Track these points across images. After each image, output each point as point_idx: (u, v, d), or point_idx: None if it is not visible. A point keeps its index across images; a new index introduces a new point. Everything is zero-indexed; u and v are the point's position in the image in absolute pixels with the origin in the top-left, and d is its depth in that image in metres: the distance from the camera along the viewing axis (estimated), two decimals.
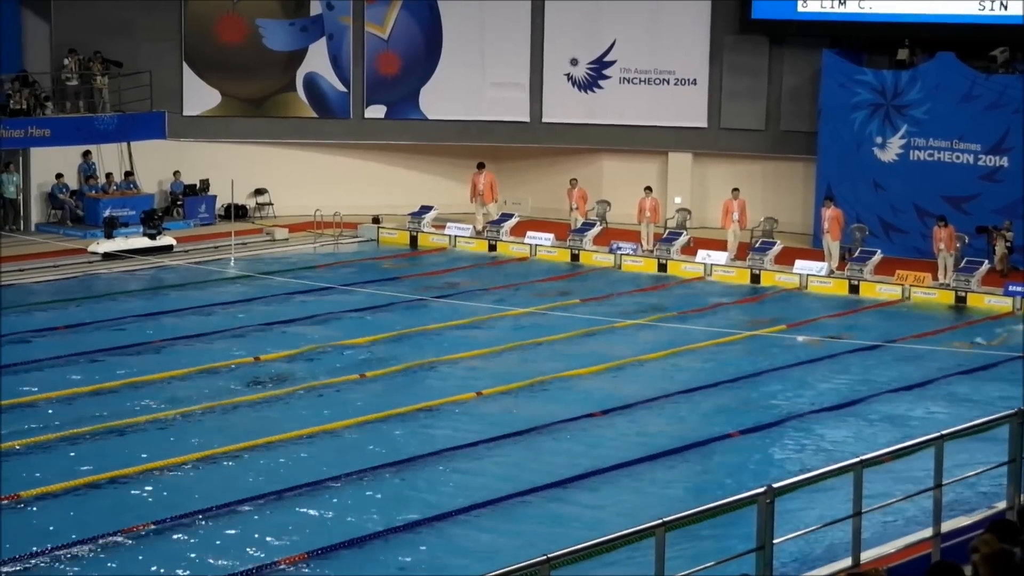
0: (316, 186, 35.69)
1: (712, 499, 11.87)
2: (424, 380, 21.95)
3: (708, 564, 10.43)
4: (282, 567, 14.36)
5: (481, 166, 34.51)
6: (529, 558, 8.93)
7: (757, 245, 30.94)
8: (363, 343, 23.82)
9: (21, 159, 33.51)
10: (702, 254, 30.89)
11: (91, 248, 30.77)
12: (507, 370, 22.53)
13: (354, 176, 36.68)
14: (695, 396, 21.29)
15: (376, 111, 37.13)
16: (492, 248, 32.92)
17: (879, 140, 32.40)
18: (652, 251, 31.60)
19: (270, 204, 36.38)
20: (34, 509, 15.97)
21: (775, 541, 10.43)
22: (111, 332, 24.52)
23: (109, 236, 31.27)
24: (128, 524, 15.33)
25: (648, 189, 32.99)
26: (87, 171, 34.28)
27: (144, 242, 31.38)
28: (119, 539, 15.02)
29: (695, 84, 35.90)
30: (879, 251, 29.74)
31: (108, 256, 30.48)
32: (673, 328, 25.15)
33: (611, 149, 36.47)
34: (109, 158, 34.77)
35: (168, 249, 31.62)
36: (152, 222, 31.85)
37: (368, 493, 16.82)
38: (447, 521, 15.84)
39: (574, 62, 36.58)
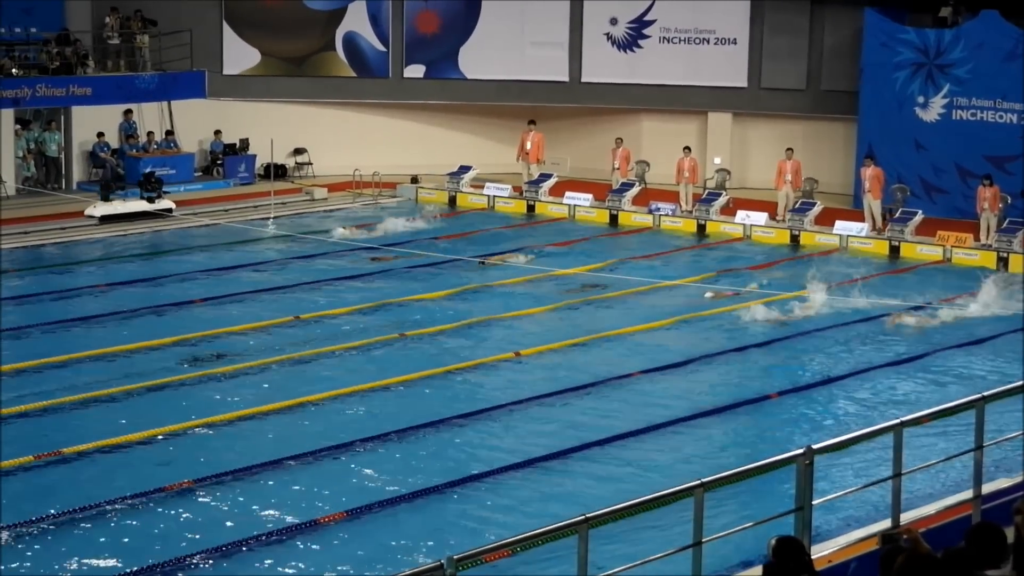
0: (355, 146, 35.73)
1: (750, 460, 11.90)
2: (465, 339, 21.97)
3: (746, 525, 10.46)
4: (323, 523, 14.46)
5: (532, 123, 34.38)
6: (567, 517, 8.98)
7: (797, 206, 30.79)
8: (403, 302, 23.86)
9: (62, 118, 33.67)
10: (741, 215, 30.77)
11: (87, 211, 30.22)
12: (548, 329, 22.53)
13: (393, 136, 36.68)
14: (731, 357, 21.24)
15: (415, 70, 37.08)
16: (531, 208, 32.89)
17: (921, 100, 32.13)
18: (691, 212, 31.50)
19: (309, 164, 36.46)
20: (83, 463, 16.12)
21: (814, 502, 10.43)
22: (154, 289, 24.68)
23: (105, 199, 30.64)
24: (177, 479, 15.46)
25: (687, 149, 32.85)
26: (128, 130, 34.41)
27: (142, 205, 30.77)
28: (164, 496, 15.15)
29: (735, 44, 35.68)
30: (920, 212, 29.54)
31: (105, 219, 30.00)
32: (713, 288, 25.08)
33: (650, 109, 36.31)
34: (150, 117, 34.90)
35: (168, 212, 30.95)
36: (150, 185, 31.18)
37: (412, 450, 16.89)
38: (489, 480, 15.90)
39: (614, 21, 36.40)
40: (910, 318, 23.12)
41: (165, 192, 31.54)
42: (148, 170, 32.34)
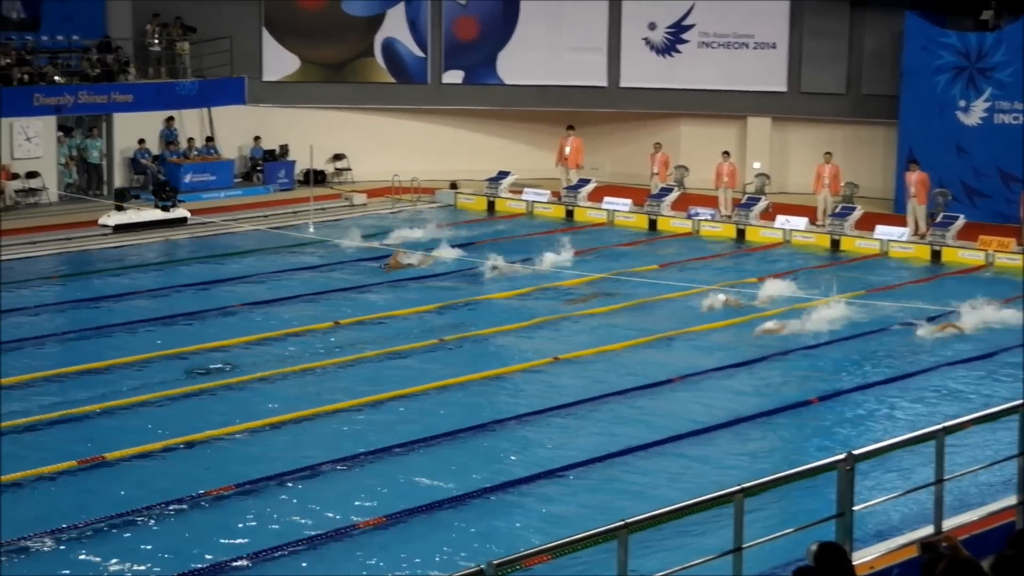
0: (394, 151, 35.83)
1: (791, 466, 11.84)
2: (501, 345, 21.99)
3: (787, 531, 10.41)
4: (362, 528, 14.49)
5: (570, 128, 34.38)
6: (607, 523, 8.96)
7: (837, 210, 30.64)
8: (441, 308, 23.89)
9: (104, 125, 33.91)
10: (781, 219, 30.66)
11: (101, 221, 29.92)
12: (586, 334, 22.50)
13: (432, 141, 36.76)
14: (773, 362, 21.16)
15: (454, 76, 37.15)
16: (569, 214, 32.88)
17: (962, 103, 31.95)
18: (730, 216, 31.41)
19: (348, 169, 36.59)
20: (125, 468, 16.22)
21: (855, 508, 10.37)
22: (195, 296, 24.81)
23: (120, 208, 30.40)
24: (218, 484, 15.53)
25: (726, 154, 32.77)
26: (169, 137, 34.62)
27: (157, 214, 30.55)
28: (206, 500, 15.22)
29: (775, 48, 35.58)
30: (962, 216, 29.34)
31: (119, 228, 29.76)
32: (752, 293, 24.99)
33: (689, 114, 36.25)
34: (190, 123, 35.10)
35: (183, 221, 30.70)
36: (164, 194, 30.95)
37: (451, 455, 16.90)
38: (529, 485, 15.89)
39: (652, 26, 36.37)
40: (952, 323, 22.95)
41: (203, 199, 31.69)
42: (163, 179, 32.29)
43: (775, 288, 24.92)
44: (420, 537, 14.39)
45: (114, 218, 30.12)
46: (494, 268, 25.74)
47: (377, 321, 23.15)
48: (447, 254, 27.28)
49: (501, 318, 23.38)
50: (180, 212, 30.91)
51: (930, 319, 23.15)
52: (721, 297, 24.17)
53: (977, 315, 22.97)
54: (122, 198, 30.81)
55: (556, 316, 23.55)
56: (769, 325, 22.65)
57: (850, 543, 10.22)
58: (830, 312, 23.46)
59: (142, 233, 29.92)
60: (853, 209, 30.44)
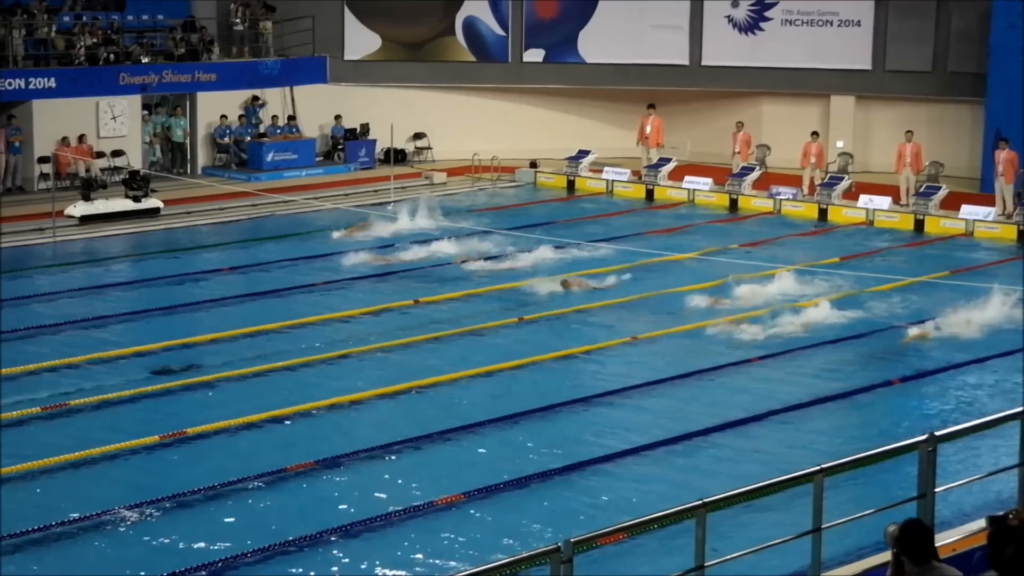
0: (474, 130, 35.87)
1: (871, 447, 11.74)
2: (579, 324, 21.97)
3: (868, 511, 10.32)
4: (440, 505, 14.56)
5: (651, 107, 34.22)
6: (684, 502, 8.93)
7: (921, 190, 30.27)
8: (520, 287, 23.89)
9: (188, 103, 34.26)
10: (864, 199, 30.34)
11: (67, 211, 28.58)
12: (663, 314, 22.41)
13: (512, 120, 36.76)
14: (853, 343, 20.95)
15: (534, 55, 37.10)
16: (649, 193, 32.75)
17: None
18: (813, 196, 31.12)
19: (429, 148, 36.68)
20: (203, 446, 16.41)
21: (937, 489, 10.26)
22: (276, 273, 25.02)
23: (86, 198, 28.99)
24: (299, 460, 15.65)
25: (815, 134, 32.51)
26: (252, 115, 34.90)
27: (126, 204, 29.26)
28: (287, 476, 15.36)
29: (859, 25, 35.18)
30: None
31: (85, 219, 28.51)
32: (834, 274, 24.75)
33: (772, 92, 35.95)
34: (272, 102, 35.37)
35: (155, 212, 29.45)
36: (135, 183, 29.67)
37: (529, 434, 16.92)
38: (606, 464, 15.88)
39: (735, 3, 36.10)
40: None
41: (284, 177, 31.75)
42: (135, 168, 31.23)
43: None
44: (497, 514, 14.42)
45: (80, 208, 28.78)
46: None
47: (454, 300, 23.20)
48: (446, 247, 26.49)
49: (579, 297, 23.32)
50: (152, 203, 29.61)
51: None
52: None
53: None
54: (89, 188, 29.28)
55: (632, 297, 23.42)
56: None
57: (932, 524, 10.11)
58: (914, 294, 23.20)
59: (226, 210, 30.21)
60: (938, 188, 30.04)
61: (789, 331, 21.34)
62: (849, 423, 17.90)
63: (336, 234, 27.72)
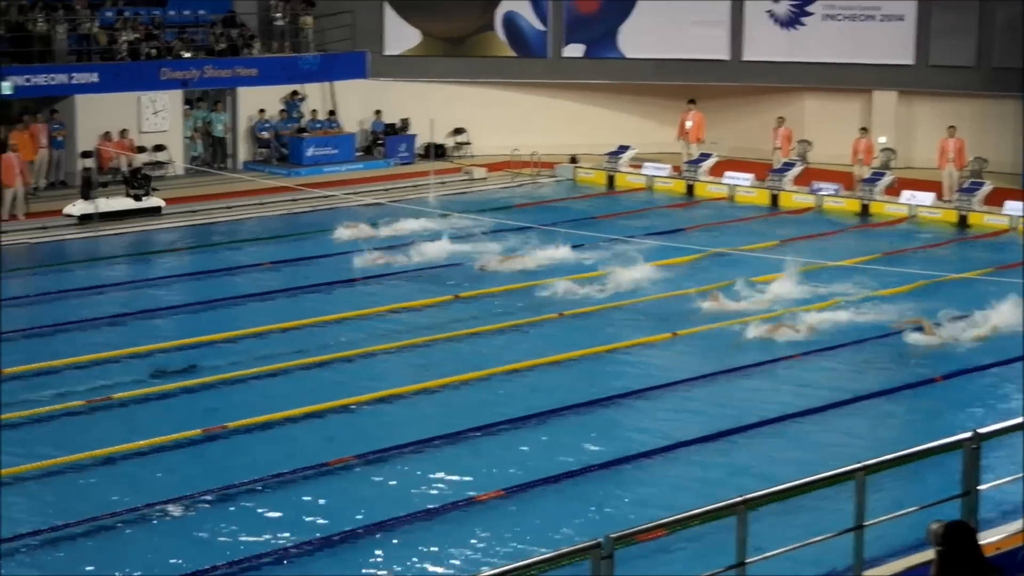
0: (514, 126, 35.86)
1: (914, 444, 11.63)
2: (622, 318, 21.90)
3: (911, 509, 10.24)
4: (480, 501, 14.55)
5: (692, 102, 34.11)
6: (724, 499, 8.88)
7: (965, 186, 30.03)
8: (559, 282, 23.83)
9: (229, 98, 34.39)
10: (906, 195, 30.13)
11: (66, 210, 28.27)
12: (702, 310, 22.30)
13: (551, 115, 36.71)
14: (893, 340, 20.79)
15: (574, 50, 37.04)
16: (690, 188, 32.63)
17: None
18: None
19: (468, 143, 36.69)
20: (244, 440, 16.46)
21: (980, 488, 10.16)
22: (315, 268, 25.07)
23: (86, 197, 28.56)
24: (339, 455, 15.69)
25: (863, 130, 32.34)
26: (292, 110, 35.00)
27: (127, 203, 28.74)
28: (328, 471, 15.40)
29: (902, 20, 34.94)
30: None
31: (84, 219, 28.09)
32: (875, 270, 24.59)
33: (813, 87, 35.76)
34: (312, 97, 35.45)
35: (156, 211, 28.99)
36: (136, 181, 29.28)
37: (570, 429, 16.89)
38: (646, 460, 15.84)
39: None
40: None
41: (324, 172, 31.76)
42: (135, 166, 30.99)
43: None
44: (537, 510, 14.41)
45: (79, 207, 28.38)
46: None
47: (494, 295, 23.19)
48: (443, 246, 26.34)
49: (619, 293, 23.25)
50: (153, 201, 29.22)
51: None
52: (718, 297, 22.54)
53: None
54: (88, 186, 28.79)
55: (673, 292, 23.34)
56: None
57: (975, 523, 10.02)
58: (957, 290, 23.02)
59: (266, 206, 30.30)
60: (982, 184, 29.80)
61: (828, 327, 21.21)
62: (890, 421, 17.77)
63: (373, 230, 27.69)
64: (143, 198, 29.05)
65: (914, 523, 10.12)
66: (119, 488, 14.79)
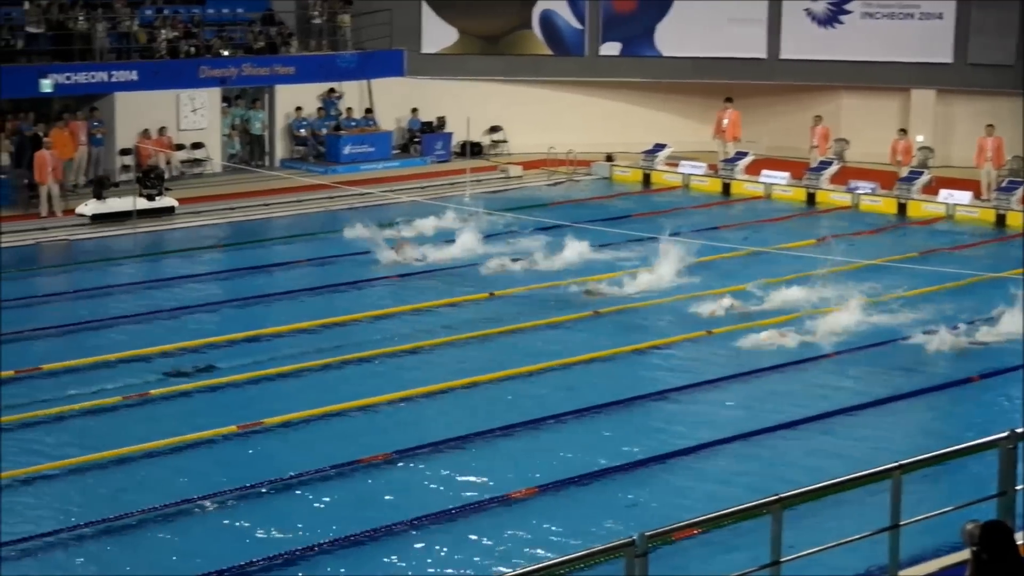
0: (550, 124, 35.85)
1: (950, 443, 11.60)
2: (654, 318, 21.88)
3: (947, 508, 10.21)
4: (515, 498, 14.58)
5: (728, 100, 34.02)
6: (759, 497, 8.88)
7: (1003, 184, 29.85)
8: (597, 280, 23.84)
9: (267, 96, 34.53)
10: (944, 193, 29.98)
11: (78, 210, 28.15)
12: (735, 309, 22.22)
13: (588, 114, 36.69)
14: (930, 339, 20.68)
15: (611, 48, 37.01)
16: (726, 187, 32.56)
17: None
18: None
19: (505, 141, 36.71)
20: (278, 436, 16.55)
21: (1017, 487, 10.12)
22: (349, 265, 25.14)
23: (99, 197, 28.40)
24: (376, 451, 15.75)
25: (902, 131, 32.18)
26: (330, 108, 35.11)
27: (140, 203, 28.30)
28: (365, 466, 15.46)
29: (940, 18, 34.75)
30: None
31: (97, 218, 27.93)
32: (910, 269, 24.47)
33: (850, 86, 35.61)
34: (349, 95, 35.56)
35: (169, 211, 28.76)
36: (149, 181, 28.97)
37: (604, 427, 16.91)
38: (682, 458, 15.84)
39: None
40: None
41: (361, 170, 31.77)
42: (150, 165, 30.54)
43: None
44: (571, 508, 14.43)
45: (91, 207, 28.23)
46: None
47: (529, 293, 23.20)
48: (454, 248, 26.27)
49: (652, 292, 23.23)
50: (166, 201, 28.98)
51: None
52: (725, 302, 22.19)
53: None
54: (102, 186, 28.71)
55: (706, 292, 23.28)
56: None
57: (1012, 522, 9.98)
58: (993, 290, 22.87)
59: (300, 203, 30.40)
60: (1020, 183, 29.62)
61: (863, 328, 21.12)
62: (927, 420, 17.70)
63: (407, 228, 27.74)
64: (156, 198, 28.89)
65: (948, 522, 10.10)
66: (153, 484, 14.88)
